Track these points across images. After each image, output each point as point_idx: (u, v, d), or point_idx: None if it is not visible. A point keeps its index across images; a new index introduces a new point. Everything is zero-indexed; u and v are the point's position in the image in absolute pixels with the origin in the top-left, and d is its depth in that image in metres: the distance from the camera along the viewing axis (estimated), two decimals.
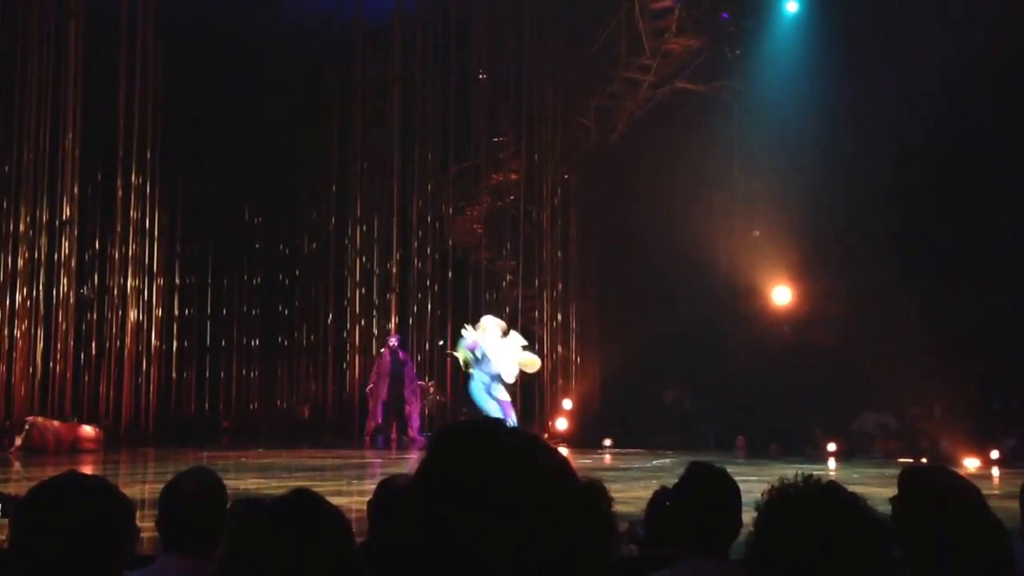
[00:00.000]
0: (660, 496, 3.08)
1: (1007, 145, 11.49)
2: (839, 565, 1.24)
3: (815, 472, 1.41)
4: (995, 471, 9.99)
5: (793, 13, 13.25)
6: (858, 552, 1.24)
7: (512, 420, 9.52)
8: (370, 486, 2.77)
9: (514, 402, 13.96)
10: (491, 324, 10.07)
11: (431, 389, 13.93)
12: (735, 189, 13.36)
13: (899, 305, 11.98)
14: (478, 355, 9.87)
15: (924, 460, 10.22)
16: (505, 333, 10.06)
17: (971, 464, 10.08)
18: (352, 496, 6.20)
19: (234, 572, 1.39)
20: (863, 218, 12.22)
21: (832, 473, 9.61)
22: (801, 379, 12.03)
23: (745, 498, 2.32)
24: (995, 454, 10.62)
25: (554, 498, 0.95)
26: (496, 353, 9.85)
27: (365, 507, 2.65)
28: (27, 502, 1.63)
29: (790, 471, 1.42)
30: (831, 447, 11.65)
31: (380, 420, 12.58)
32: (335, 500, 1.56)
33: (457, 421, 1.11)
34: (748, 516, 2.21)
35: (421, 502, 0.95)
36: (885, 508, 1.84)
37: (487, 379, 9.95)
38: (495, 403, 9.89)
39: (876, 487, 6.54)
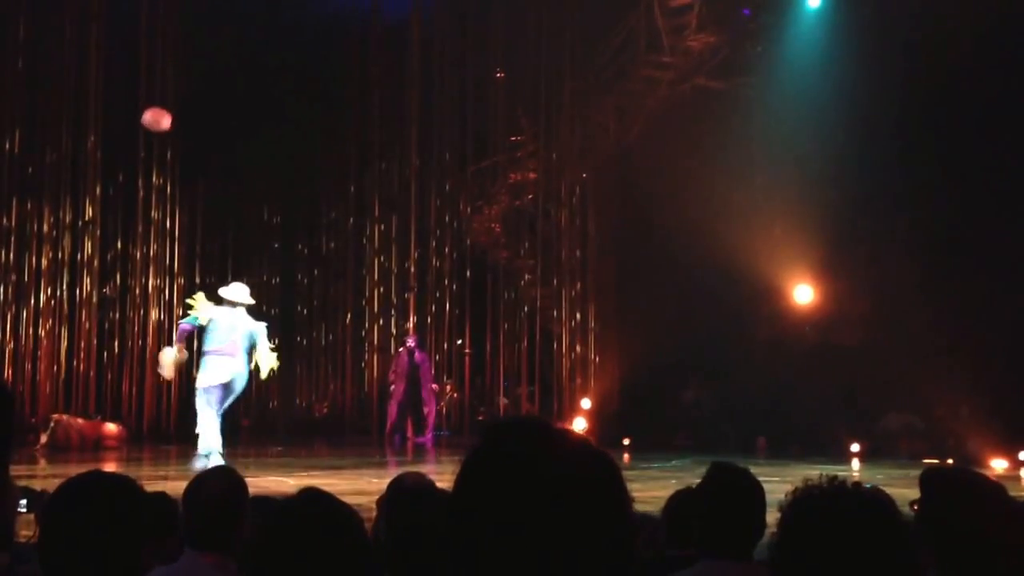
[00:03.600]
0: (679, 497, 3.04)
1: None
2: (864, 568, 1.22)
3: (839, 473, 1.40)
4: (1023, 472, 9.85)
5: (814, 8, 13.12)
6: (883, 555, 1.23)
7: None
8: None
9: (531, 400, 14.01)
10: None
11: (448, 388, 13.94)
12: (756, 187, 13.23)
13: (924, 304, 11.82)
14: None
15: (950, 461, 10.08)
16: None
17: (999, 465, 9.96)
18: (372, 496, 6.20)
19: (251, 569, 1.42)
20: (886, 216, 12.09)
21: (856, 474, 9.51)
22: (824, 379, 11.92)
23: (767, 499, 2.28)
24: (1023, 455, 10.44)
25: (602, 500, 0.95)
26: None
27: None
28: (53, 499, 1.69)
29: (812, 472, 1.39)
30: (854, 447, 11.53)
31: (396, 419, 12.63)
32: (354, 498, 1.55)
33: (505, 418, 1.10)
34: (771, 517, 2.17)
35: (467, 501, 0.94)
36: (907, 509, 1.81)
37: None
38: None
39: (901, 488, 6.43)
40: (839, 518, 1.25)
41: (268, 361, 8.47)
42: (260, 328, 8.53)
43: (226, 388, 8.31)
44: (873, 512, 1.26)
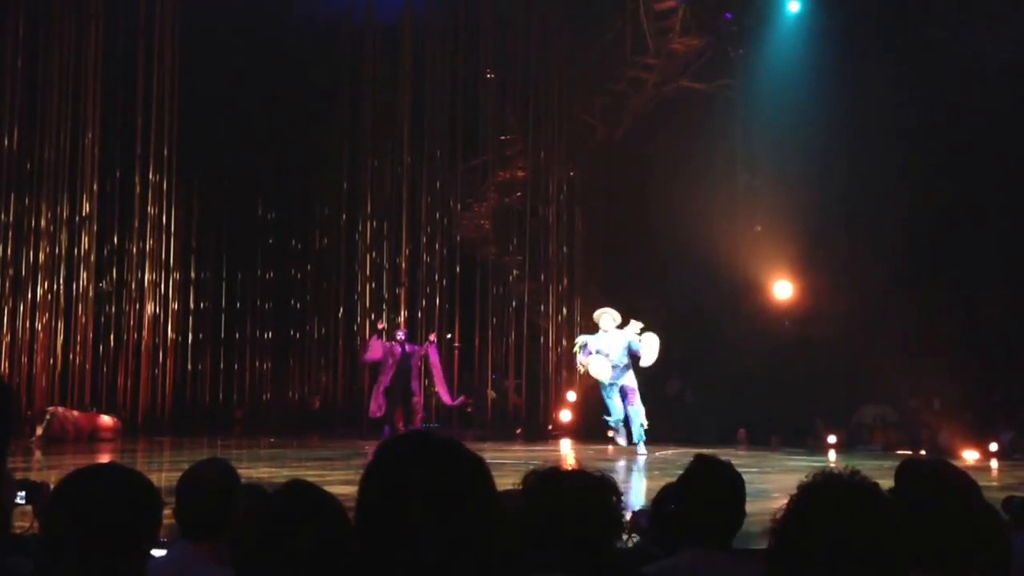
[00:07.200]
0: (667, 489, 3.02)
1: (1008, 143, 11.67)
2: (860, 560, 1.26)
3: (816, 464, 1.58)
4: (993, 463, 10.07)
5: (795, 12, 13.42)
6: (881, 547, 1.27)
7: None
8: None
9: (518, 395, 14.30)
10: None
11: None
12: (738, 185, 13.55)
13: (899, 299, 12.18)
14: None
15: (923, 452, 10.43)
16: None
17: (970, 456, 10.16)
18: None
19: (240, 557, 1.49)
20: (864, 214, 12.41)
21: (832, 465, 9.86)
22: (802, 372, 12.23)
23: (746, 489, 2.47)
24: (994, 447, 10.67)
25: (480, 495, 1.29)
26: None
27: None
28: (59, 490, 1.68)
29: (791, 463, 1.59)
30: (831, 439, 11.85)
31: (384, 410, 12.80)
32: (343, 489, 1.73)
33: (397, 435, 1.45)
34: (749, 507, 2.44)
35: (372, 499, 1.29)
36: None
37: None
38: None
39: (876, 479, 6.76)
40: (854, 511, 1.29)
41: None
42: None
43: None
44: (885, 508, 1.30)
